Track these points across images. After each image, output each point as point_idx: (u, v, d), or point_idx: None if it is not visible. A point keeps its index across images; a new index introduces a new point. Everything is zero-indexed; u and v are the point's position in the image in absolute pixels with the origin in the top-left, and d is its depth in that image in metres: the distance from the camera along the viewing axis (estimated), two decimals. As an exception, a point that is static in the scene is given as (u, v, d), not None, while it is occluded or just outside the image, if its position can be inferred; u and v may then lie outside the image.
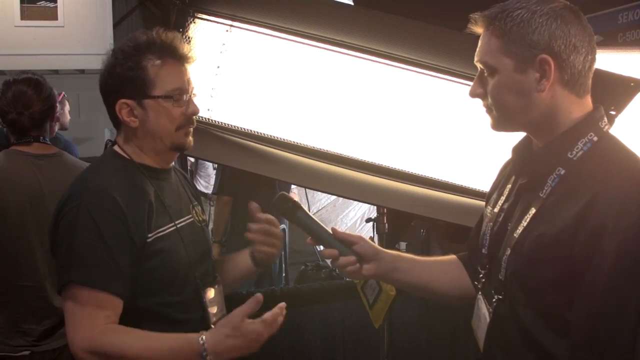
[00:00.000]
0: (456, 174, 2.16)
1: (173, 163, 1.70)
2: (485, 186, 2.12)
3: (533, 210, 1.25)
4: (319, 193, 5.41)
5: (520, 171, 1.36)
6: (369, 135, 2.17)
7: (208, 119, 2.16)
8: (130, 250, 1.47)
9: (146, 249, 1.50)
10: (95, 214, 1.45)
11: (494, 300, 1.32)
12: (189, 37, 2.09)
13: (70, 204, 1.48)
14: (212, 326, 1.61)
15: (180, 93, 1.56)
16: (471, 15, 1.32)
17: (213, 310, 1.64)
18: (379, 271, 1.55)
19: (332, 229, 1.55)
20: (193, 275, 1.60)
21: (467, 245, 1.58)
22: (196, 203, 1.74)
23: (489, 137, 1.97)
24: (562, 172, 1.24)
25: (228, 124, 2.19)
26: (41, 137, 2.38)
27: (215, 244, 3.68)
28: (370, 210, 4.34)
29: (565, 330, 1.17)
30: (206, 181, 6.26)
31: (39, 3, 5.44)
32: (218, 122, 2.19)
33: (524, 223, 1.26)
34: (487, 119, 1.35)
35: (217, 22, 2.13)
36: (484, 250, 1.39)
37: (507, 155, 1.47)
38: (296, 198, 1.62)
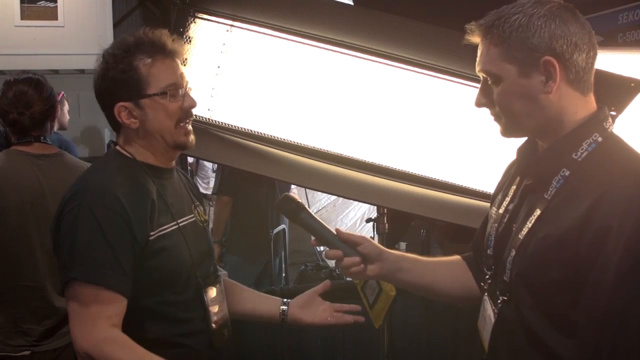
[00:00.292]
0: (456, 174, 2.16)
1: (174, 163, 1.70)
2: (486, 186, 2.13)
3: (538, 212, 1.25)
4: (319, 193, 5.41)
5: (525, 172, 1.35)
6: (369, 135, 2.17)
7: (208, 119, 2.16)
8: (133, 248, 1.47)
9: (148, 248, 1.50)
10: (98, 212, 1.45)
11: (499, 301, 1.32)
12: (189, 37, 2.09)
13: (72, 202, 1.48)
14: (214, 325, 1.62)
15: (175, 88, 1.56)
16: (467, 26, 1.31)
17: (214, 309, 1.64)
18: (383, 271, 1.55)
19: (336, 229, 1.55)
20: (195, 275, 1.60)
21: (472, 246, 1.58)
22: (198, 203, 1.75)
23: (489, 137, 1.98)
24: (567, 173, 1.24)
25: (228, 124, 2.19)
26: (42, 137, 2.38)
27: (215, 244, 3.68)
28: (370, 211, 4.34)
29: (571, 330, 1.17)
30: (205, 183, 6.26)
31: (39, 3, 5.44)
32: (218, 122, 2.19)
33: (529, 224, 1.26)
34: (489, 121, 1.35)
35: (218, 22, 2.14)
36: (489, 252, 1.39)
37: (507, 156, 1.47)
38: (296, 198, 1.62)
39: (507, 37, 1.24)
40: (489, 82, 1.29)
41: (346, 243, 1.53)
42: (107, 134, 6.49)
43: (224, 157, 2.32)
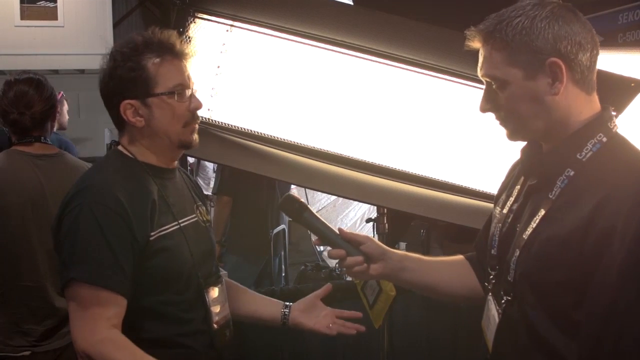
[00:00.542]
0: (457, 174, 2.16)
1: (177, 163, 1.70)
2: (486, 186, 2.13)
3: (542, 212, 1.25)
4: (319, 193, 5.41)
5: (529, 172, 1.35)
6: (369, 135, 2.16)
7: (208, 118, 2.16)
8: (133, 248, 1.47)
9: (149, 248, 1.50)
10: (98, 212, 1.45)
11: (503, 301, 1.32)
12: (189, 37, 2.09)
13: (73, 202, 1.48)
14: (215, 326, 1.62)
15: (183, 88, 1.57)
16: (466, 32, 1.31)
17: (216, 309, 1.64)
18: (386, 271, 1.55)
19: (339, 229, 1.55)
20: (196, 275, 1.60)
21: (475, 246, 1.58)
22: (200, 203, 1.74)
23: (489, 137, 1.98)
24: (572, 173, 1.24)
25: (228, 124, 2.19)
26: (42, 137, 2.38)
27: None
28: (370, 211, 4.34)
29: (574, 331, 1.17)
30: (206, 183, 6.26)
31: (39, 3, 5.44)
32: (218, 122, 2.19)
33: (533, 224, 1.26)
34: (489, 122, 1.34)
35: (218, 22, 2.13)
36: (493, 252, 1.39)
37: (508, 156, 1.47)
38: (298, 198, 1.63)
39: (511, 41, 1.23)
40: (494, 87, 1.28)
41: (349, 242, 1.53)
42: (107, 134, 6.49)
43: (224, 157, 2.32)
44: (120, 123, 1.59)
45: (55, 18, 5.47)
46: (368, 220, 2.84)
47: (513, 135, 1.33)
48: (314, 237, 1.60)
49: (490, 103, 1.31)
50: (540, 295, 1.23)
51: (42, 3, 5.47)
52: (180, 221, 1.59)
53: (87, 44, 5.42)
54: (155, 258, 1.51)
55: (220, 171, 4.05)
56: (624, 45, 3.24)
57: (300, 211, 1.57)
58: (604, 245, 1.12)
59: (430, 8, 2.64)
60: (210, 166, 5.77)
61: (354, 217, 5.93)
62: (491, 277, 1.39)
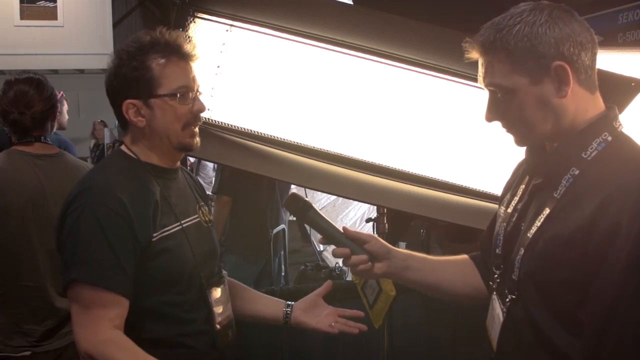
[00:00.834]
0: (457, 174, 2.16)
1: (179, 163, 1.70)
2: (487, 186, 2.13)
3: (547, 211, 1.25)
4: (319, 193, 5.41)
5: (534, 171, 1.35)
6: (369, 135, 2.16)
7: (208, 118, 2.16)
8: (135, 249, 1.47)
9: (151, 248, 1.50)
10: (100, 213, 1.45)
11: (507, 300, 1.32)
12: (189, 37, 2.09)
13: (75, 203, 1.48)
14: (217, 326, 1.62)
15: (186, 91, 1.56)
16: (464, 43, 1.30)
17: (218, 310, 1.64)
18: (391, 270, 1.55)
19: (344, 228, 1.55)
20: (198, 275, 1.59)
21: (480, 245, 1.58)
22: (203, 203, 1.74)
23: (490, 137, 1.97)
24: (577, 172, 1.24)
25: (228, 124, 2.19)
26: (42, 137, 2.38)
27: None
28: (370, 210, 4.34)
29: (578, 330, 1.17)
30: (207, 182, 6.26)
31: (38, 3, 5.45)
32: (218, 122, 2.19)
33: (538, 223, 1.26)
34: (492, 124, 1.34)
35: (218, 22, 2.13)
36: (497, 251, 1.39)
37: (509, 156, 1.47)
38: (303, 197, 1.63)
39: (513, 49, 1.23)
40: (498, 96, 1.28)
41: (354, 241, 1.53)
42: (107, 134, 6.49)
43: (224, 157, 2.31)
44: (123, 122, 1.59)
45: (55, 18, 5.48)
46: (368, 220, 2.84)
47: (522, 142, 1.33)
48: (318, 236, 1.60)
49: (495, 112, 1.30)
50: (545, 294, 1.23)
51: (41, 3, 5.48)
52: (182, 222, 1.59)
53: (86, 44, 5.43)
54: (157, 259, 1.51)
55: (220, 171, 4.04)
56: (624, 45, 3.24)
57: (304, 210, 1.57)
58: (608, 243, 1.12)
59: (431, 8, 2.64)
60: (210, 165, 5.77)
61: (354, 217, 5.93)
62: (496, 276, 1.39)
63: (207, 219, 1.72)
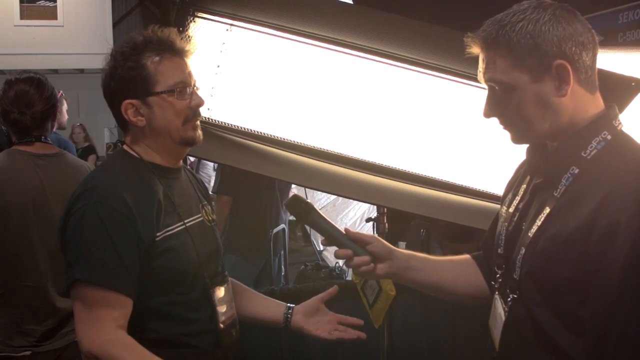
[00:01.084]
0: (458, 174, 2.16)
1: (182, 162, 1.70)
2: (487, 186, 2.13)
3: (547, 210, 1.25)
4: (319, 192, 5.41)
5: (535, 171, 1.36)
6: (370, 134, 2.16)
7: (208, 118, 2.16)
8: (138, 249, 1.47)
9: (155, 248, 1.50)
10: (103, 213, 1.45)
11: (509, 299, 1.32)
12: (189, 37, 2.09)
13: (78, 203, 1.48)
14: (221, 325, 1.62)
15: (183, 86, 1.56)
16: (466, 38, 1.30)
17: (222, 309, 1.64)
18: (393, 270, 1.55)
19: (345, 229, 1.55)
20: (202, 274, 1.59)
21: (482, 245, 1.58)
22: (206, 202, 1.74)
23: (490, 137, 1.97)
24: (576, 171, 1.24)
25: (228, 124, 2.19)
26: (43, 137, 2.38)
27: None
28: (370, 210, 4.34)
29: (580, 329, 1.17)
30: (207, 182, 6.26)
31: (38, 2, 5.45)
32: (218, 121, 2.19)
33: (538, 222, 1.26)
34: (490, 121, 1.34)
35: (218, 21, 2.13)
36: (499, 250, 1.39)
37: (510, 155, 1.47)
38: (305, 198, 1.63)
39: (516, 45, 1.23)
40: (498, 92, 1.28)
41: (356, 242, 1.53)
42: (107, 134, 6.50)
43: (224, 157, 2.31)
44: (123, 123, 1.59)
45: (55, 17, 5.48)
46: (368, 220, 2.84)
47: (519, 139, 1.33)
48: (320, 237, 1.60)
49: (494, 108, 1.30)
50: (546, 293, 1.23)
51: (41, 3, 5.48)
52: (185, 221, 1.59)
53: (86, 43, 5.43)
54: (161, 258, 1.51)
55: (221, 170, 4.04)
56: (624, 45, 3.25)
57: (306, 212, 1.57)
58: (608, 241, 1.12)
59: (431, 7, 2.65)
60: (211, 164, 5.77)
61: (354, 217, 5.93)
62: (498, 276, 1.40)
63: (210, 218, 1.72)
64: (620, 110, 1.72)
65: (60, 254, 1.53)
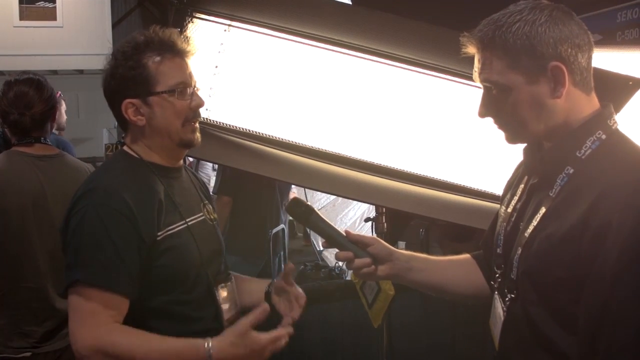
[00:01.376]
0: (457, 174, 2.16)
1: (182, 162, 1.70)
2: (486, 186, 2.13)
3: (543, 210, 1.26)
4: (319, 193, 5.41)
5: (532, 171, 1.36)
6: (368, 135, 2.17)
7: (206, 118, 2.16)
8: (140, 249, 1.47)
9: (156, 247, 1.50)
10: (104, 214, 1.45)
11: (507, 299, 1.32)
12: (187, 37, 2.09)
13: (79, 204, 1.49)
14: (226, 324, 1.62)
15: (184, 87, 1.57)
16: (462, 37, 1.30)
17: (226, 307, 1.64)
18: (394, 271, 1.55)
19: (346, 231, 1.56)
20: (205, 273, 1.60)
21: (482, 245, 1.59)
22: (207, 202, 1.74)
23: (489, 136, 1.97)
24: (571, 171, 1.24)
25: (226, 124, 2.19)
26: (42, 138, 2.38)
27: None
28: (370, 210, 4.33)
29: (575, 328, 1.18)
30: (206, 182, 6.25)
31: (38, 3, 5.45)
32: (216, 122, 2.19)
33: (534, 222, 1.27)
34: (489, 121, 1.34)
35: (215, 22, 2.14)
36: (498, 250, 1.40)
37: (508, 155, 1.47)
38: (305, 201, 1.63)
39: (512, 46, 1.23)
40: (493, 92, 1.28)
41: (356, 244, 1.54)
42: (106, 135, 6.50)
43: (222, 157, 2.31)
44: (123, 122, 1.60)
45: (54, 18, 5.48)
46: (367, 220, 2.84)
47: (513, 139, 1.33)
48: (320, 238, 1.60)
49: (489, 108, 1.31)
50: (541, 292, 1.23)
51: (41, 4, 5.48)
52: (187, 220, 1.59)
53: (86, 44, 5.43)
54: (163, 257, 1.51)
55: (222, 171, 4.04)
56: (623, 44, 3.25)
57: (307, 214, 1.58)
58: (600, 241, 1.13)
59: (429, 7, 2.65)
60: (210, 165, 5.77)
61: (354, 217, 5.93)
62: (497, 275, 1.40)
63: (212, 217, 1.72)
64: (617, 110, 1.73)
65: (60, 255, 1.54)
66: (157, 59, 1.55)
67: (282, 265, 4.19)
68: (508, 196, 1.46)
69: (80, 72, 6.02)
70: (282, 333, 1.49)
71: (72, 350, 1.46)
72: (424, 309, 3.01)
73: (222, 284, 1.66)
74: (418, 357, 3.02)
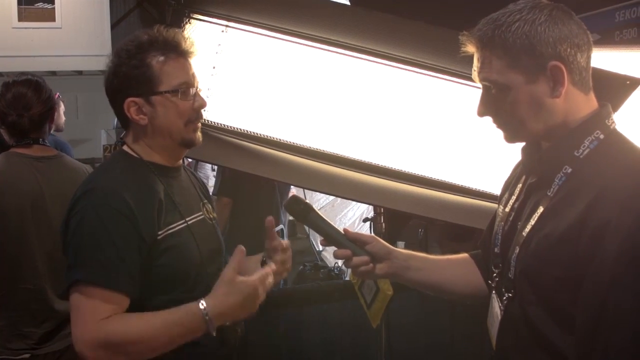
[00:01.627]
0: (455, 174, 2.16)
1: (181, 161, 1.70)
2: (485, 186, 2.13)
3: (541, 209, 1.26)
4: (318, 193, 5.40)
5: (530, 171, 1.36)
6: (367, 135, 2.17)
7: (204, 119, 2.16)
8: (140, 249, 1.47)
9: (157, 247, 1.50)
10: (104, 214, 1.45)
11: (504, 298, 1.33)
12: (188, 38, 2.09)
13: (79, 204, 1.49)
14: (226, 322, 1.62)
15: (187, 87, 1.57)
16: (461, 36, 1.30)
17: None
18: (392, 270, 1.56)
19: (344, 229, 1.56)
20: (205, 272, 1.60)
21: (480, 245, 1.59)
22: (206, 201, 1.75)
23: (487, 136, 1.98)
24: (569, 170, 1.24)
25: (224, 125, 2.19)
26: (40, 139, 2.38)
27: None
28: (369, 210, 4.33)
29: (572, 327, 1.18)
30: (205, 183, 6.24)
31: (36, 4, 5.44)
32: (214, 122, 2.19)
33: (532, 222, 1.27)
34: (487, 121, 1.34)
35: (213, 23, 2.14)
36: (496, 250, 1.40)
37: (507, 155, 1.47)
38: (304, 199, 1.63)
39: (511, 45, 1.23)
40: (492, 91, 1.28)
41: (354, 242, 1.54)
42: (104, 136, 6.50)
43: (220, 158, 2.32)
44: (124, 121, 1.60)
45: (53, 19, 5.47)
46: (365, 220, 2.84)
47: (512, 138, 1.34)
48: (319, 237, 1.60)
49: (488, 107, 1.31)
50: (539, 292, 1.23)
51: (40, 4, 5.47)
52: (187, 219, 1.59)
53: (85, 45, 5.42)
54: (163, 256, 1.51)
55: (221, 172, 4.04)
56: (621, 43, 3.25)
57: (305, 212, 1.58)
58: (598, 241, 1.13)
59: (428, 8, 2.65)
60: (208, 166, 5.77)
61: (353, 217, 5.92)
62: (495, 275, 1.40)
63: (211, 216, 1.72)
64: (615, 109, 1.73)
65: (59, 256, 1.54)
66: (161, 58, 1.55)
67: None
68: (506, 196, 1.46)
69: (79, 73, 6.02)
70: (267, 270, 1.50)
71: (72, 351, 1.46)
72: (423, 309, 3.01)
73: None
74: (417, 356, 3.02)
